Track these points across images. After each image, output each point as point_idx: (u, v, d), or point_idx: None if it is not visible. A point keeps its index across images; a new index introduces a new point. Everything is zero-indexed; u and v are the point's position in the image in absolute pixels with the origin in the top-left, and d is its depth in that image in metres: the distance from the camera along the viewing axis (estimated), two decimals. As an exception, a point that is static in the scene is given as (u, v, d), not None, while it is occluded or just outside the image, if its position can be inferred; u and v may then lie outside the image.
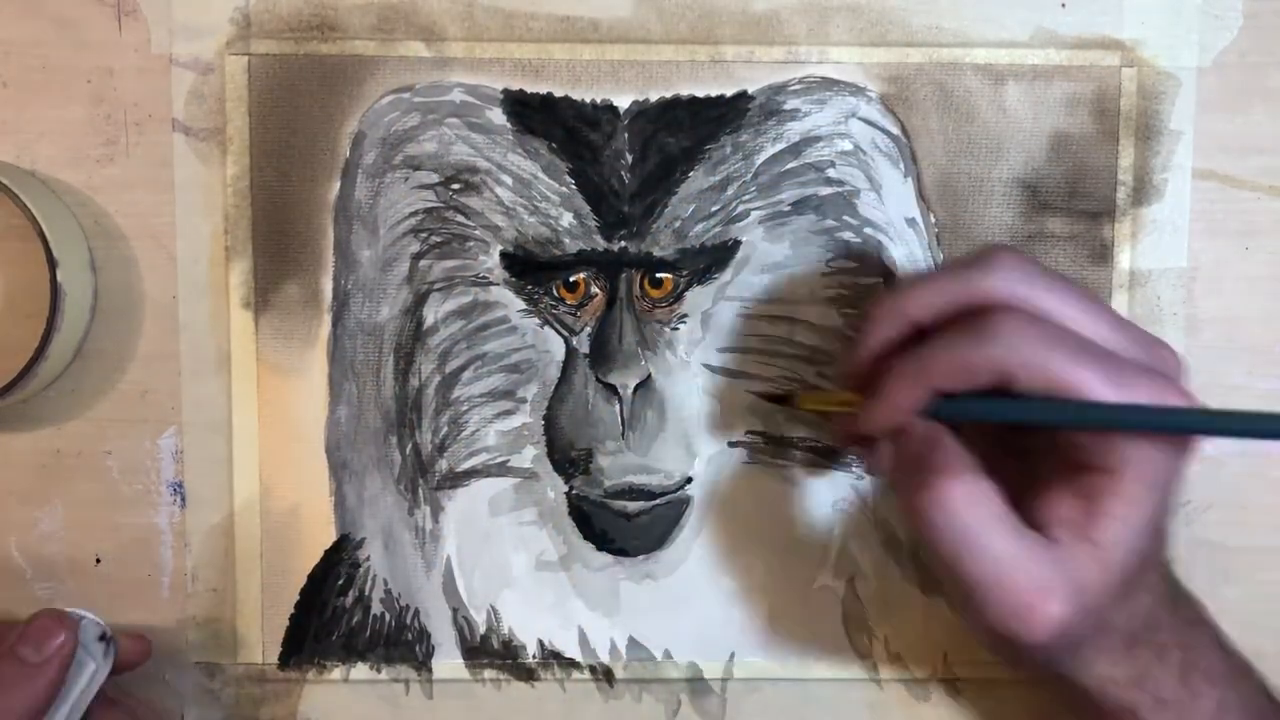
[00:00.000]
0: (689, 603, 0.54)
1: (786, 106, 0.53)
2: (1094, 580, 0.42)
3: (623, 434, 0.53)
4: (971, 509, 0.41)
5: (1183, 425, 0.42)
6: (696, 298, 0.53)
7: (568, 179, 0.52)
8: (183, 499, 0.54)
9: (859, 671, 0.54)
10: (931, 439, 0.43)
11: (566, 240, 0.52)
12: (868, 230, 0.53)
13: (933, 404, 0.44)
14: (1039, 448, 0.45)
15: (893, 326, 0.45)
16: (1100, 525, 0.42)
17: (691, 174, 0.52)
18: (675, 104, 0.52)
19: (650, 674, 0.54)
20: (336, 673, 0.54)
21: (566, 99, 0.52)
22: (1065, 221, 0.53)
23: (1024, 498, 0.43)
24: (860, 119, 0.53)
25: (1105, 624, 0.43)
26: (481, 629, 0.54)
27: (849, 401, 0.47)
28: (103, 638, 0.50)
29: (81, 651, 0.48)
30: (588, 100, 0.52)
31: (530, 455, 0.54)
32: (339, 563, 0.54)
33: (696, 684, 0.55)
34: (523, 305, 0.53)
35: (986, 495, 0.42)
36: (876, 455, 0.46)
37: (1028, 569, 0.41)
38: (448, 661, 0.54)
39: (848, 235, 0.53)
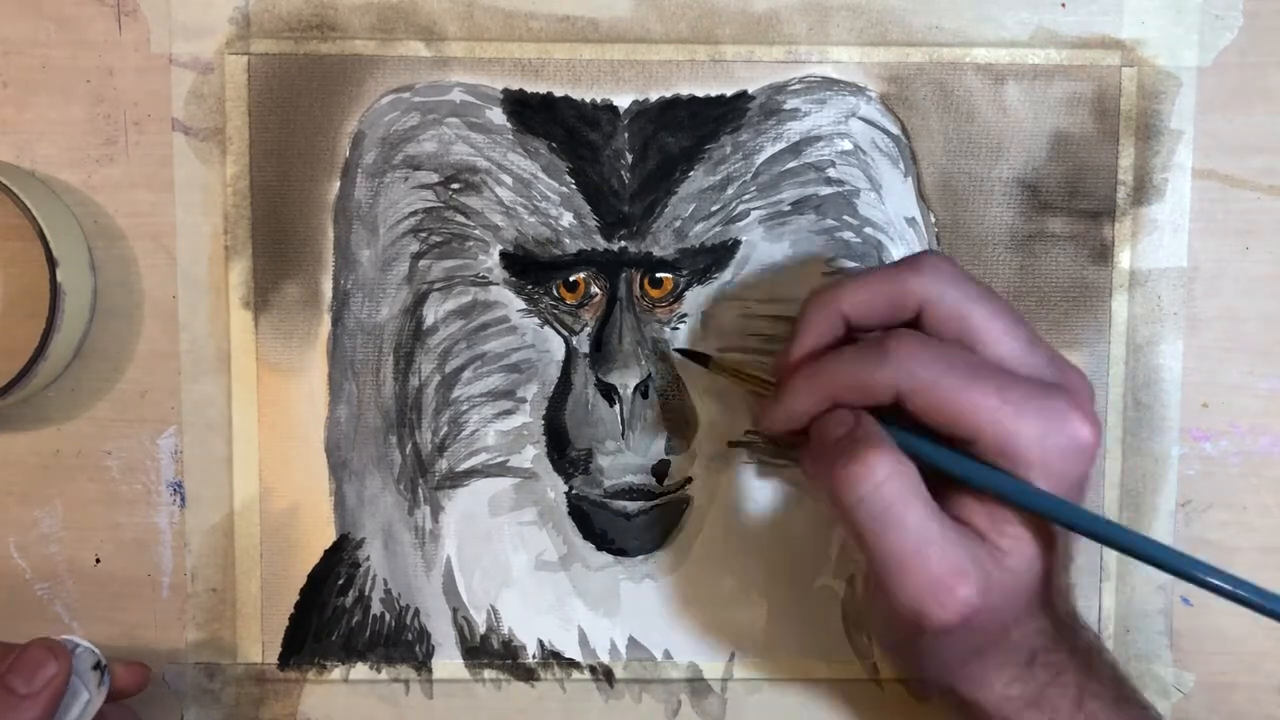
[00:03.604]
0: (689, 603, 0.54)
1: (787, 106, 0.53)
2: (1001, 581, 0.43)
3: (623, 434, 0.53)
4: (895, 483, 0.42)
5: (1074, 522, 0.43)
6: (696, 298, 0.53)
7: (568, 179, 0.52)
8: (182, 499, 0.54)
9: (859, 671, 0.54)
10: (857, 416, 0.44)
11: (566, 240, 0.52)
12: (868, 230, 0.53)
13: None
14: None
15: (826, 322, 0.46)
16: (1006, 538, 0.43)
17: (691, 174, 0.52)
18: (675, 104, 0.52)
19: (650, 674, 0.54)
20: (336, 673, 0.54)
21: (566, 99, 0.52)
22: (1065, 221, 0.53)
23: (937, 500, 0.44)
24: (860, 118, 0.53)
25: (1005, 636, 0.44)
26: (481, 629, 0.54)
27: (760, 382, 0.49)
28: (97, 666, 0.48)
29: (75, 680, 0.47)
30: (588, 100, 0.52)
31: (530, 455, 0.53)
32: (339, 563, 0.54)
33: (696, 684, 0.55)
34: (523, 305, 0.53)
35: (910, 473, 0.43)
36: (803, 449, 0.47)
37: (944, 549, 0.42)
38: (448, 661, 0.54)
39: (848, 235, 0.53)
